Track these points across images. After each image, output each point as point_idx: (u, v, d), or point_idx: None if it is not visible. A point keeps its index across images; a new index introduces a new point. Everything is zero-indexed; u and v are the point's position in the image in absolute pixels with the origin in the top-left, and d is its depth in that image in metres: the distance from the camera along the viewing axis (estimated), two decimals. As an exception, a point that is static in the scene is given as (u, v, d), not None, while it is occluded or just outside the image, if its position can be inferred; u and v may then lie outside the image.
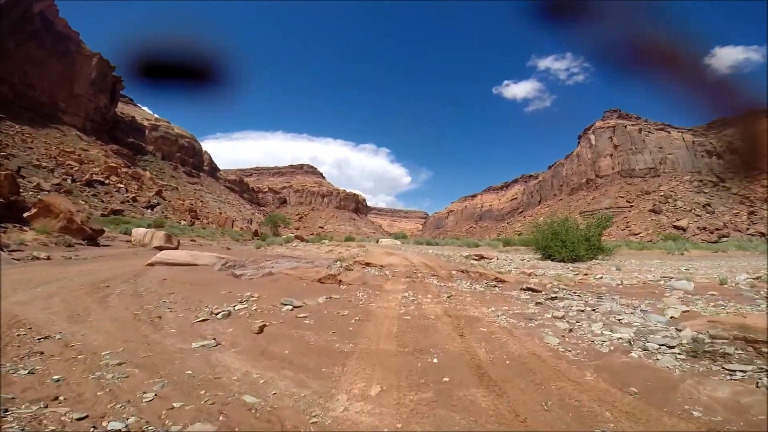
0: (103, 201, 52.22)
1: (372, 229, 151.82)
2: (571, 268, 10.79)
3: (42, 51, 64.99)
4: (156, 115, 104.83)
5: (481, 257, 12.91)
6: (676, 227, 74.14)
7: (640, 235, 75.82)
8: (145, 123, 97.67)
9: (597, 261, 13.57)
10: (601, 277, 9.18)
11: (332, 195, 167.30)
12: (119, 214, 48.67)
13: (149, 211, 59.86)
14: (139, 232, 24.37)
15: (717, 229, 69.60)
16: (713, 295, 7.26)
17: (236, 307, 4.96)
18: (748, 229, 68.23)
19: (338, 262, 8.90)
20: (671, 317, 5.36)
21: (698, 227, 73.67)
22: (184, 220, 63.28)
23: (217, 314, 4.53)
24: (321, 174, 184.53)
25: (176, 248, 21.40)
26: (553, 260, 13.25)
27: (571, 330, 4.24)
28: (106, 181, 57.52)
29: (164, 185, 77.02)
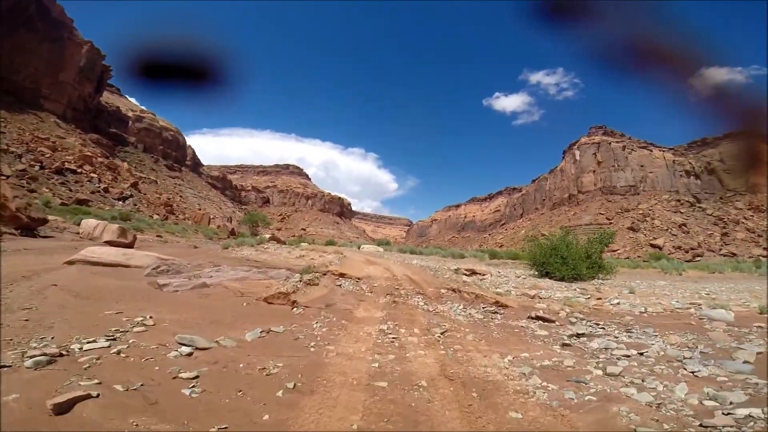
0: (71, 190, 49.91)
1: (355, 234, 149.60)
2: (577, 289, 9.28)
3: (33, 36, 62.34)
4: (142, 107, 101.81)
5: (473, 272, 11.27)
6: (652, 245, 75.63)
7: (618, 252, 76.89)
8: (130, 114, 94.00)
9: (600, 281, 12.17)
10: (618, 303, 7.67)
11: (317, 197, 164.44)
12: (85, 204, 45.72)
13: (121, 203, 57.75)
14: (89, 224, 21.68)
15: (692, 249, 71.31)
16: (762, 327, 5.88)
17: (85, 347, 2.98)
18: (720, 249, 70.18)
19: (298, 275, 6.99)
20: (745, 362, 3.93)
21: (673, 246, 75.39)
22: (158, 214, 60.88)
23: (31, 360, 2.56)
24: (307, 175, 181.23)
25: (130, 244, 19.21)
26: (551, 278, 11.77)
27: (659, 405, 2.57)
28: (79, 170, 54.75)
29: (142, 177, 74.40)
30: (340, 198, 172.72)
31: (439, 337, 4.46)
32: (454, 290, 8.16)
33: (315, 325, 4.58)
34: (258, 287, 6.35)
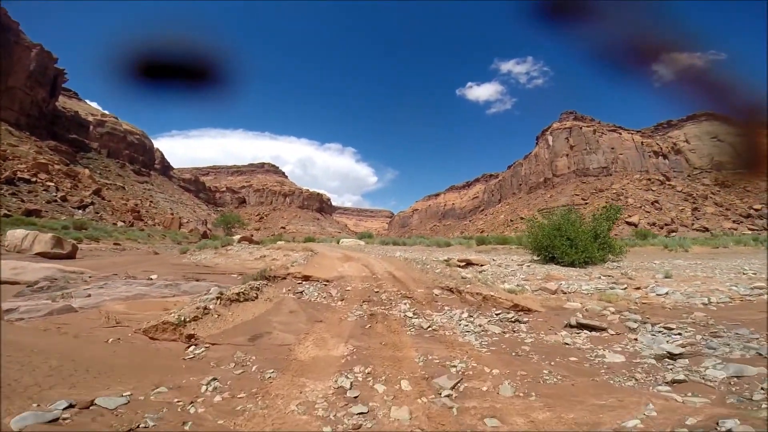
0: (24, 201, 46.09)
1: (337, 228, 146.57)
2: (601, 277, 7.43)
3: (-27, 41, 57.42)
4: (104, 111, 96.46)
5: (468, 263, 9.25)
6: (628, 223, 77.08)
7: (597, 231, 77.86)
8: (90, 118, 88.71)
9: (615, 263, 10.47)
10: (667, 293, 5.82)
11: (295, 194, 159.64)
12: (36, 214, 41.53)
13: (80, 211, 54.14)
14: (15, 235, 18.41)
15: (666, 225, 73.17)
16: None
17: None
18: (693, 224, 72.36)
19: (216, 289, 4.63)
20: None
21: (648, 222, 77.19)
22: (124, 221, 57.93)
23: None
24: (283, 173, 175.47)
25: (69, 254, 16.55)
26: (559, 264, 9.96)
27: None
28: (33, 179, 50.47)
29: (107, 184, 71.13)
30: (319, 194, 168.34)
31: (449, 396, 2.31)
32: (451, 290, 6.08)
33: (204, 388, 2.34)
34: (152, 310, 4.00)
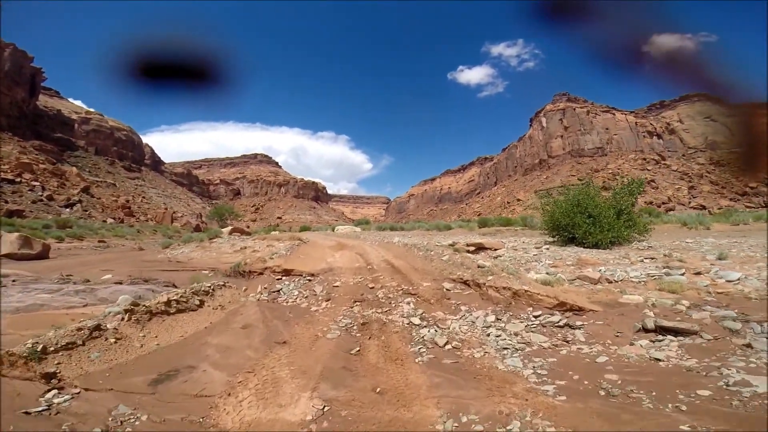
0: (7, 201, 44.68)
1: (333, 216, 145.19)
2: (644, 260, 6.20)
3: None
4: (88, 108, 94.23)
5: (480, 248, 7.93)
6: (625, 203, 76.48)
7: (594, 212, 77.41)
8: (74, 116, 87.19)
9: (646, 243, 9.24)
10: (739, 279, 4.58)
11: (289, 184, 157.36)
12: (17, 215, 39.77)
13: (68, 210, 53.10)
14: (-23, 236, 16.81)
15: (663, 203, 72.73)
16: None
17: None
18: (690, 202, 71.98)
19: (126, 298, 3.27)
20: None
21: (645, 201, 76.67)
22: (114, 217, 56.99)
23: None
24: (276, 163, 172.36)
25: (39, 255, 15.01)
26: (582, 245, 8.73)
27: None
28: (17, 180, 49.13)
29: (96, 181, 70.02)
30: (314, 183, 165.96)
31: None
32: (466, 283, 4.78)
33: None
34: (37, 328, 2.65)
